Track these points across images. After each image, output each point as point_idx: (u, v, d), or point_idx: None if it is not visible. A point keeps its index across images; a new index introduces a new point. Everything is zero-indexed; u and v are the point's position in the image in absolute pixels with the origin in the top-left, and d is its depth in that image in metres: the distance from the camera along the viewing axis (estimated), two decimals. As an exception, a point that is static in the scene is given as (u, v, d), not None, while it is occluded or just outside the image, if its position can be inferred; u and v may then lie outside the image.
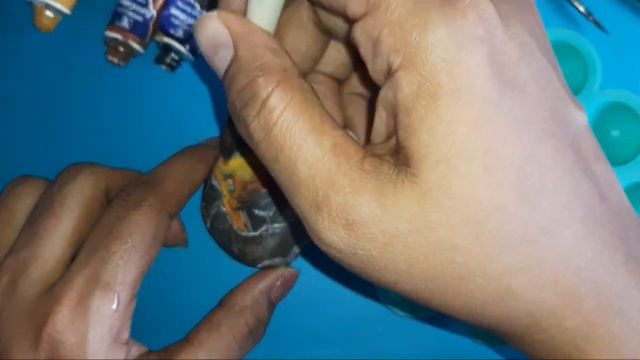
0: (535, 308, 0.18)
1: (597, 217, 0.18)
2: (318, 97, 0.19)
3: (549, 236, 0.17)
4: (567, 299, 0.18)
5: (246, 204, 0.30)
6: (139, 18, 0.35)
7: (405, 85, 0.17)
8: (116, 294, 0.26)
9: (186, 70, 0.37)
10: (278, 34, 0.22)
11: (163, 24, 0.35)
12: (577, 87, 0.36)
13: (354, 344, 0.37)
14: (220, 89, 0.37)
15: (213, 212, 0.31)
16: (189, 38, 0.35)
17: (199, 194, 0.31)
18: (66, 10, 0.35)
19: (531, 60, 0.18)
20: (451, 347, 0.38)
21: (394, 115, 0.18)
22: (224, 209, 0.31)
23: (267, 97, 0.18)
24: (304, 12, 0.23)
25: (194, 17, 0.35)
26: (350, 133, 0.23)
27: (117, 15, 0.35)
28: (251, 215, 0.30)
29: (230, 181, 0.30)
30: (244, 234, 0.31)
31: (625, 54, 0.38)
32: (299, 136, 0.18)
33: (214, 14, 0.20)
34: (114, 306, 0.26)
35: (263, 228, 0.30)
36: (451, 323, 0.37)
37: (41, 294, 0.26)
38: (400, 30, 0.17)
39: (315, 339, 0.37)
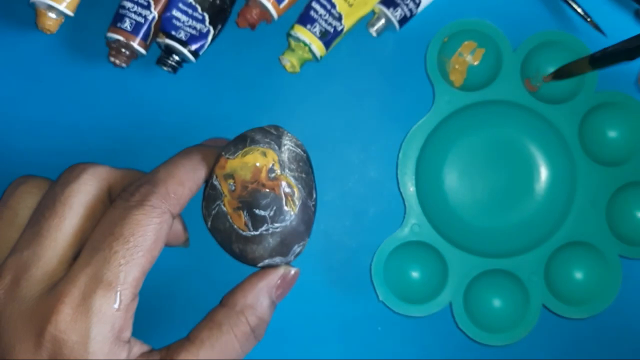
0: None
1: None
2: None
3: None
4: None
5: (247, 204, 0.30)
6: (141, 20, 0.35)
7: None
8: (118, 293, 0.26)
9: (187, 71, 0.37)
10: None
11: (165, 25, 0.35)
12: (574, 89, 0.36)
13: (354, 343, 0.37)
14: (219, 88, 0.38)
15: (214, 211, 0.31)
16: (190, 39, 0.35)
17: (200, 194, 0.31)
18: (69, 12, 0.35)
19: None
20: (451, 347, 0.38)
21: None
22: (224, 208, 0.31)
23: None
24: None
25: (196, 18, 0.35)
26: None
27: (118, 17, 0.35)
28: (252, 215, 0.31)
29: (231, 181, 0.30)
30: (245, 233, 0.31)
31: (622, 56, 0.38)
32: None
33: None
34: (116, 305, 0.26)
35: (263, 228, 0.31)
36: (451, 323, 0.37)
37: (44, 293, 0.26)
38: None
39: (315, 338, 0.37)
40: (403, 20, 0.36)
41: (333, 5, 0.36)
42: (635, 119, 0.35)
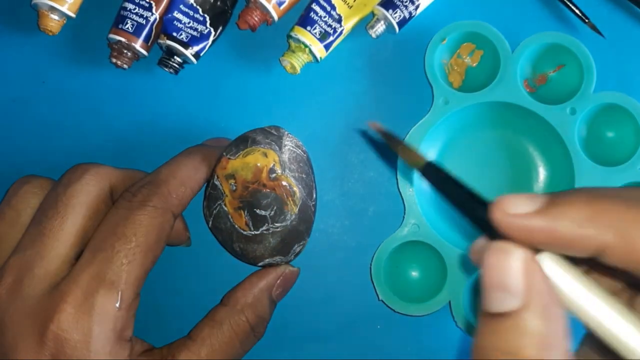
0: None
1: None
2: None
3: None
4: None
5: (247, 204, 0.31)
6: (142, 21, 0.35)
7: None
8: (120, 293, 0.26)
9: (188, 73, 0.38)
10: None
11: (166, 27, 0.35)
12: (573, 90, 0.36)
13: (354, 342, 0.37)
14: (220, 89, 0.38)
15: (215, 211, 0.31)
16: (191, 41, 0.36)
17: (201, 194, 0.31)
18: (71, 14, 0.35)
19: None
20: (450, 345, 0.38)
21: None
22: (225, 208, 0.31)
23: None
24: None
25: (197, 20, 0.36)
26: None
27: (120, 18, 0.35)
28: (252, 215, 0.31)
29: (232, 181, 0.31)
30: (245, 232, 0.31)
31: (620, 57, 0.38)
32: None
33: (516, 252, 0.19)
34: (118, 304, 0.26)
35: (264, 227, 0.31)
36: (451, 323, 0.37)
37: (46, 292, 0.26)
38: None
39: (315, 336, 0.37)
40: (402, 22, 0.37)
41: (333, 7, 0.36)
42: (633, 119, 0.35)
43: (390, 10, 0.36)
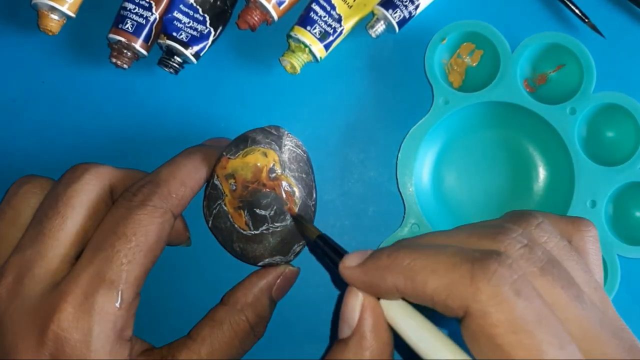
0: None
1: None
2: None
3: None
4: None
5: (247, 203, 0.31)
6: (142, 21, 0.35)
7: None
8: (120, 292, 0.26)
9: (188, 72, 0.38)
10: None
11: (166, 27, 0.35)
12: (573, 89, 0.36)
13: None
14: (220, 89, 0.38)
15: (215, 211, 0.31)
16: (191, 41, 0.36)
17: (201, 194, 0.31)
18: (71, 14, 0.35)
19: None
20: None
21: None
22: (225, 208, 0.31)
23: None
24: None
25: (197, 20, 0.36)
26: None
27: (120, 18, 0.35)
28: (252, 214, 0.31)
29: (232, 181, 0.31)
30: (245, 232, 0.31)
31: (619, 57, 0.38)
32: None
33: (358, 295, 0.24)
34: (118, 304, 0.26)
35: (264, 227, 0.31)
36: (451, 322, 0.37)
37: (46, 292, 0.26)
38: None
39: (315, 336, 0.37)
40: (402, 22, 0.37)
41: (333, 7, 0.36)
42: (633, 119, 0.35)
43: (390, 10, 0.36)
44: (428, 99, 0.37)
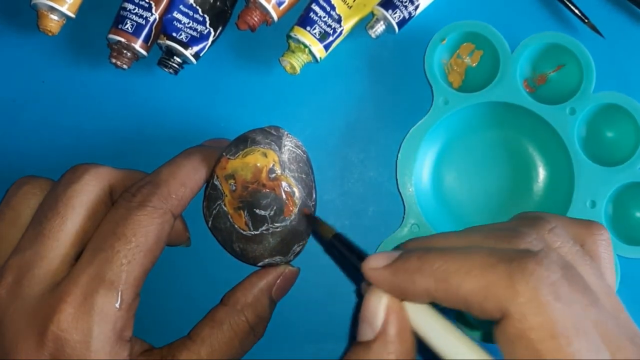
0: None
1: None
2: None
3: None
4: None
5: (247, 204, 0.31)
6: (142, 21, 0.35)
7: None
8: (120, 293, 0.26)
9: (188, 73, 0.38)
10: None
11: (166, 27, 0.35)
12: (572, 90, 0.36)
13: (353, 342, 0.37)
14: (220, 90, 0.38)
15: (215, 211, 0.31)
16: (191, 41, 0.36)
17: (201, 194, 0.31)
18: (70, 14, 0.35)
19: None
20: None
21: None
22: (225, 208, 0.31)
23: None
24: None
25: (196, 20, 0.36)
26: None
27: (120, 19, 0.35)
28: (252, 215, 0.31)
29: (231, 181, 0.31)
30: (245, 233, 0.31)
31: (619, 57, 0.38)
32: None
33: (382, 297, 0.24)
34: (118, 304, 0.26)
35: (264, 227, 0.31)
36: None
37: (46, 292, 0.26)
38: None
39: (315, 336, 0.37)
40: (402, 22, 0.37)
41: (332, 8, 0.36)
42: (633, 119, 0.35)
43: (390, 11, 0.36)
44: (428, 99, 0.37)
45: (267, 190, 0.31)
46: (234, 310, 0.31)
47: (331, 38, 0.36)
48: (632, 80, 0.38)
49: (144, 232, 0.27)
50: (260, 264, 0.32)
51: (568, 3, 0.37)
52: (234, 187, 0.31)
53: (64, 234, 0.27)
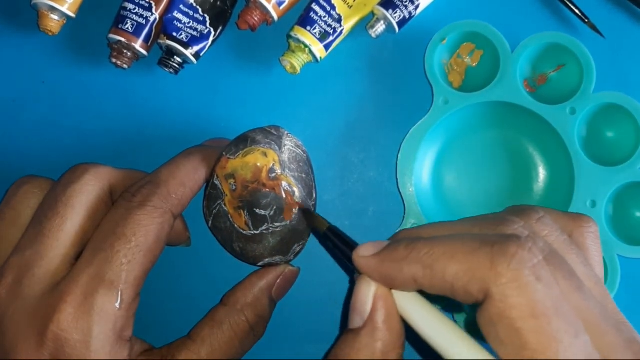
0: None
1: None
2: None
3: None
4: None
5: (247, 203, 0.31)
6: (142, 21, 0.35)
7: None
8: (120, 293, 0.26)
9: (188, 73, 0.38)
10: None
11: (166, 27, 0.35)
12: (573, 89, 0.36)
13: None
14: (220, 89, 0.38)
15: (215, 211, 0.31)
16: (191, 41, 0.36)
17: (201, 194, 0.31)
18: (71, 14, 0.35)
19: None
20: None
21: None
22: (225, 208, 0.31)
23: None
24: None
25: (197, 20, 0.36)
26: None
27: (120, 18, 0.35)
28: (252, 214, 0.31)
29: (231, 181, 0.31)
30: (245, 232, 0.31)
31: (619, 57, 0.38)
32: None
33: (371, 285, 0.24)
34: (118, 304, 0.26)
35: (264, 227, 0.31)
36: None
37: (46, 292, 0.26)
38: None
39: (315, 336, 0.37)
40: (402, 22, 0.37)
41: (333, 7, 0.36)
42: (633, 119, 0.35)
43: (390, 10, 0.36)
44: (428, 99, 0.37)
45: (267, 189, 0.31)
46: (234, 310, 0.31)
47: (331, 38, 0.36)
48: (632, 80, 0.38)
49: (144, 231, 0.27)
50: (260, 263, 0.32)
51: (568, 3, 0.37)
52: (234, 187, 0.31)
53: (64, 234, 0.27)
